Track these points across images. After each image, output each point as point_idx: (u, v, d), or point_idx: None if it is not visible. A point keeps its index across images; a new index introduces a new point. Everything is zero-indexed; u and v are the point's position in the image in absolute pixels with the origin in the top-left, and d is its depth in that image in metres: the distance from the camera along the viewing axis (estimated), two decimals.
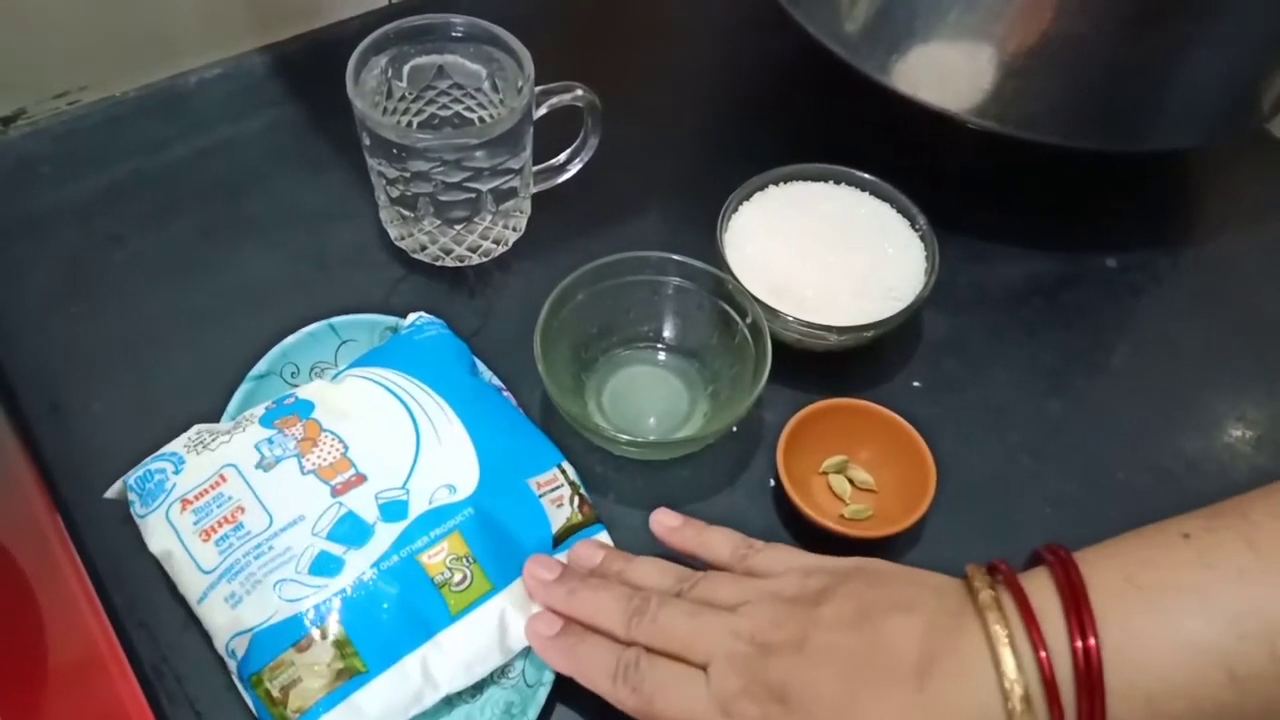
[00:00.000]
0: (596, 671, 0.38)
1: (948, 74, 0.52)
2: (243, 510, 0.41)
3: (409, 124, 0.54)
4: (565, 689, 0.42)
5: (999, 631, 0.31)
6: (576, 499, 0.45)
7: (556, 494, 0.44)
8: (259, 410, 0.44)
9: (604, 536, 0.44)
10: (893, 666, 0.33)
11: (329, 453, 0.42)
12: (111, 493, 0.43)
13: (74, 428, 0.48)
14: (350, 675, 0.38)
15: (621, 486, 0.48)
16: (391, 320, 0.50)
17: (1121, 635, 0.30)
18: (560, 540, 0.43)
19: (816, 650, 0.34)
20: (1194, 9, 0.49)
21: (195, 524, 0.41)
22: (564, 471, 0.45)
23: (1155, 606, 0.30)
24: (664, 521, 0.42)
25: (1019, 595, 0.32)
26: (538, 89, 0.51)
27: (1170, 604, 0.30)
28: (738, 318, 0.49)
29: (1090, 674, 0.29)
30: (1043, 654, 0.30)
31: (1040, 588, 0.32)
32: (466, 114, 0.54)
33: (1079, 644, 0.30)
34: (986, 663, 0.31)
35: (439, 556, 0.40)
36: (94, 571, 0.43)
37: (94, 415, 0.49)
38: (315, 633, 0.38)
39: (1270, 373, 0.55)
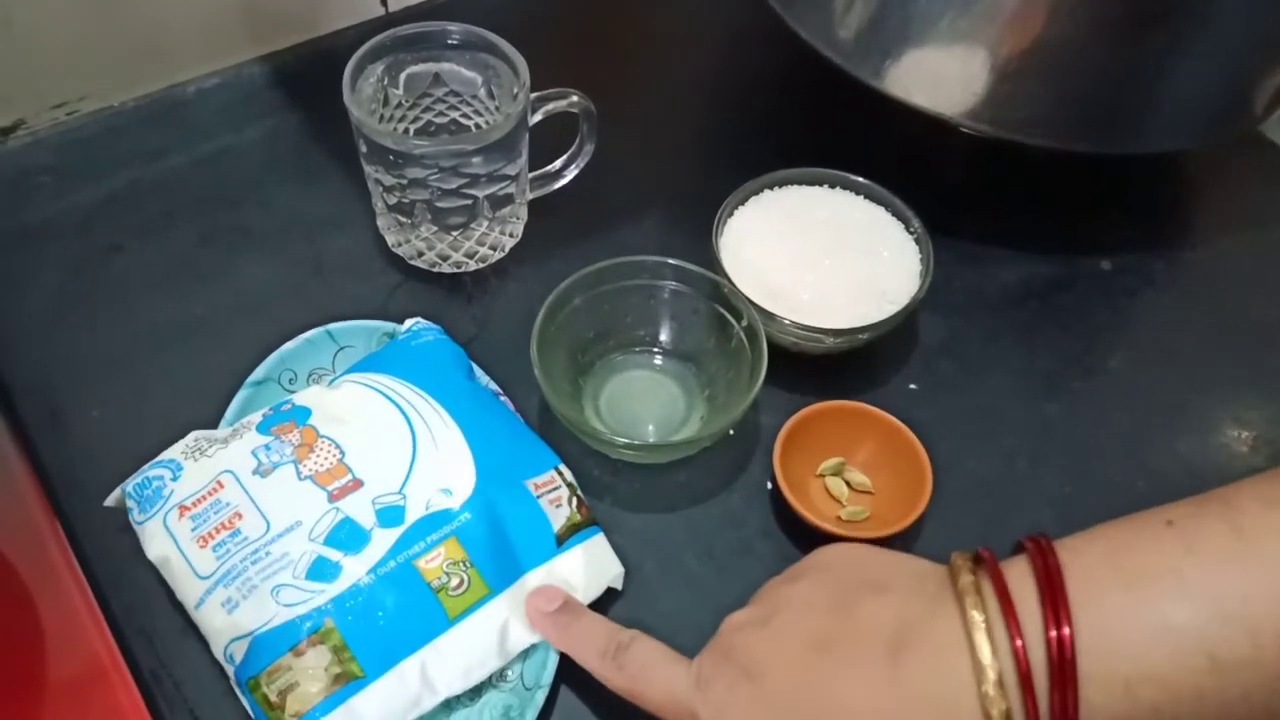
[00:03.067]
0: (588, 648, 0.39)
1: (941, 79, 0.52)
2: (240, 516, 0.41)
3: (405, 131, 0.54)
4: (564, 692, 0.42)
5: (976, 616, 0.31)
6: (574, 500, 0.45)
7: (555, 494, 0.44)
8: (256, 417, 0.44)
9: (600, 539, 0.45)
10: (863, 645, 0.33)
11: (326, 458, 0.43)
12: (110, 500, 0.44)
13: (73, 435, 0.48)
14: (348, 680, 0.38)
15: (619, 490, 0.48)
16: (389, 326, 0.50)
17: (1098, 622, 0.29)
18: (563, 539, 0.43)
19: (784, 626, 0.35)
20: (1186, 12, 0.49)
21: (193, 530, 0.41)
22: (561, 474, 0.45)
23: (1135, 592, 0.30)
24: (536, 605, 0.41)
25: (998, 581, 0.31)
26: (533, 96, 0.51)
27: (1150, 590, 0.30)
28: (734, 321, 0.49)
29: (1063, 663, 0.29)
30: (1018, 641, 0.30)
31: (1020, 574, 0.31)
32: (463, 121, 0.54)
33: (1053, 633, 0.29)
34: (961, 647, 0.31)
35: (436, 561, 0.41)
36: (93, 578, 0.43)
37: (93, 422, 0.49)
38: (312, 637, 0.38)
39: (1266, 374, 0.55)
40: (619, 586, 0.44)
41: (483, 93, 0.53)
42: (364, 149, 0.50)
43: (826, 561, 0.37)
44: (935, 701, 0.31)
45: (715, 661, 0.35)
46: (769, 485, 0.49)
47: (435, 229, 0.52)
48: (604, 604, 0.44)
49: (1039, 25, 0.50)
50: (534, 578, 0.42)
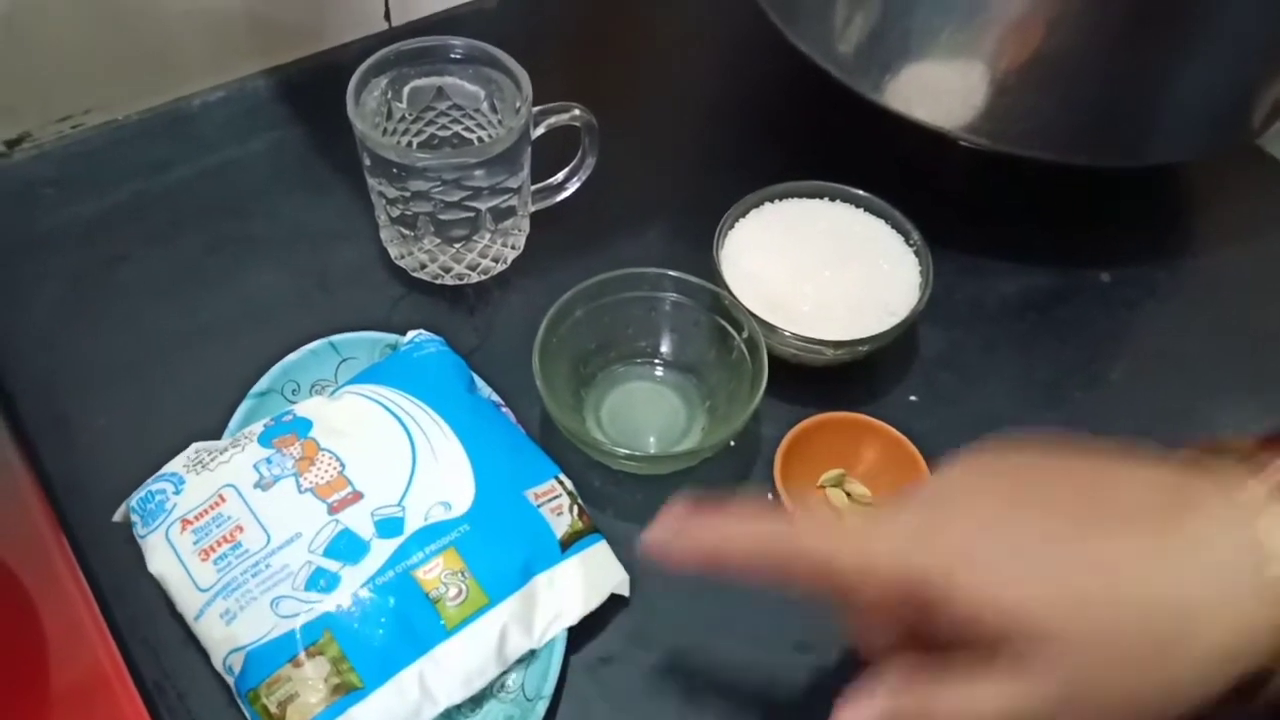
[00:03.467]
0: (808, 535, 0.33)
1: (941, 92, 0.53)
2: (241, 529, 0.41)
3: (409, 144, 0.54)
4: (564, 703, 0.42)
5: (1259, 487, 0.29)
6: (575, 508, 0.45)
7: (555, 503, 0.44)
8: (257, 428, 0.45)
9: (603, 545, 0.45)
10: (1122, 511, 0.30)
11: (326, 471, 0.43)
12: (118, 516, 0.44)
13: (78, 444, 0.49)
14: (346, 690, 0.38)
15: (620, 501, 0.49)
16: (391, 338, 0.50)
17: None
18: (568, 545, 0.43)
19: (1036, 495, 0.32)
20: (1184, 25, 0.49)
21: (195, 544, 0.41)
22: (561, 483, 0.46)
23: None
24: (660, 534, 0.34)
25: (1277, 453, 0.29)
26: (535, 109, 0.51)
27: None
28: (734, 333, 0.49)
29: None
30: None
31: None
32: (465, 134, 0.55)
33: None
34: (1243, 523, 0.29)
35: (434, 572, 0.41)
36: (97, 588, 0.43)
37: (98, 432, 0.49)
38: (310, 648, 0.38)
39: (1266, 386, 0.55)
40: (625, 593, 0.44)
41: (485, 106, 0.53)
42: (367, 162, 0.51)
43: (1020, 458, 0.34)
44: (1213, 569, 0.29)
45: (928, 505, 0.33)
46: (769, 496, 0.49)
47: (438, 241, 0.52)
48: (608, 612, 0.44)
49: (1038, 39, 0.50)
50: (539, 584, 0.42)
